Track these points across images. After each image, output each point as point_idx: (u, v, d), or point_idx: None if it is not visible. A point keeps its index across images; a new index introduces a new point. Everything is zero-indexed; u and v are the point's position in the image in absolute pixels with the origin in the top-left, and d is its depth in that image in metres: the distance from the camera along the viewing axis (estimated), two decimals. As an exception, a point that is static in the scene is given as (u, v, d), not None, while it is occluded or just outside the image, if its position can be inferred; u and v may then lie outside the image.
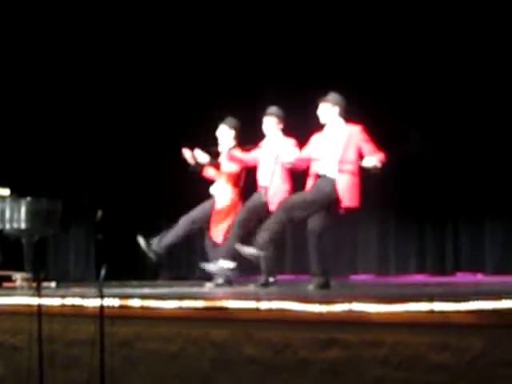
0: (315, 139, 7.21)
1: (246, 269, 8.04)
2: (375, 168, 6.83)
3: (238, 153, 7.78)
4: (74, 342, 5.96)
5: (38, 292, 6.01)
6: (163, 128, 10.78)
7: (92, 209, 11.27)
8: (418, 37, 9.54)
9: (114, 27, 10.86)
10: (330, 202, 6.91)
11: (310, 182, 7.09)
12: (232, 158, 7.79)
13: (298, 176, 7.53)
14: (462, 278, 9.42)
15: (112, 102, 11.09)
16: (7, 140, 10.83)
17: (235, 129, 8.03)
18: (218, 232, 7.86)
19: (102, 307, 5.52)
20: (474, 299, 4.62)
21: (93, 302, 5.85)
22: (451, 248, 9.72)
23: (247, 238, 7.41)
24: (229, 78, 10.47)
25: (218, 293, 7.05)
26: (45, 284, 8.03)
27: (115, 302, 5.84)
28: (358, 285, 8.71)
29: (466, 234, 9.67)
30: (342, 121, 7.12)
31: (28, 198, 8.75)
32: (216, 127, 8.08)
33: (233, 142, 8.00)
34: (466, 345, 4.57)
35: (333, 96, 7.15)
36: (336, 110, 7.09)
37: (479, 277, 9.39)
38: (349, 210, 7.00)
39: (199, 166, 8.04)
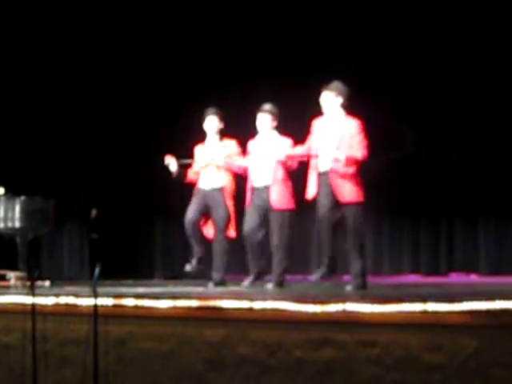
0: (317, 128, 6.79)
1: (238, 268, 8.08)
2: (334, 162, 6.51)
3: (234, 161, 7.57)
4: (68, 340, 5.95)
5: (32, 291, 6.00)
6: (158, 128, 10.77)
7: (86, 208, 11.30)
8: (415, 39, 9.58)
9: (103, 30, 10.88)
10: (332, 198, 6.61)
11: (312, 179, 6.73)
12: (229, 167, 7.54)
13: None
14: (456, 278, 9.44)
15: (107, 102, 11.09)
16: (1, 139, 10.82)
17: (223, 120, 7.88)
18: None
19: (95, 306, 5.52)
20: (467, 300, 4.63)
21: (87, 301, 5.84)
22: (445, 248, 9.74)
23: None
24: (220, 71, 10.49)
25: (212, 292, 7.03)
26: (39, 283, 8.00)
27: (109, 302, 5.83)
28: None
29: (460, 234, 9.69)
30: (342, 113, 6.72)
31: (22, 197, 8.72)
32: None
33: (218, 135, 7.86)
34: (459, 345, 4.58)
35: (337, 85, 6.74)
36: (339, 100, 6.69)
37: (473, 277, 9.41)
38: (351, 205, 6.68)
39: (182, 175, 7.90)
